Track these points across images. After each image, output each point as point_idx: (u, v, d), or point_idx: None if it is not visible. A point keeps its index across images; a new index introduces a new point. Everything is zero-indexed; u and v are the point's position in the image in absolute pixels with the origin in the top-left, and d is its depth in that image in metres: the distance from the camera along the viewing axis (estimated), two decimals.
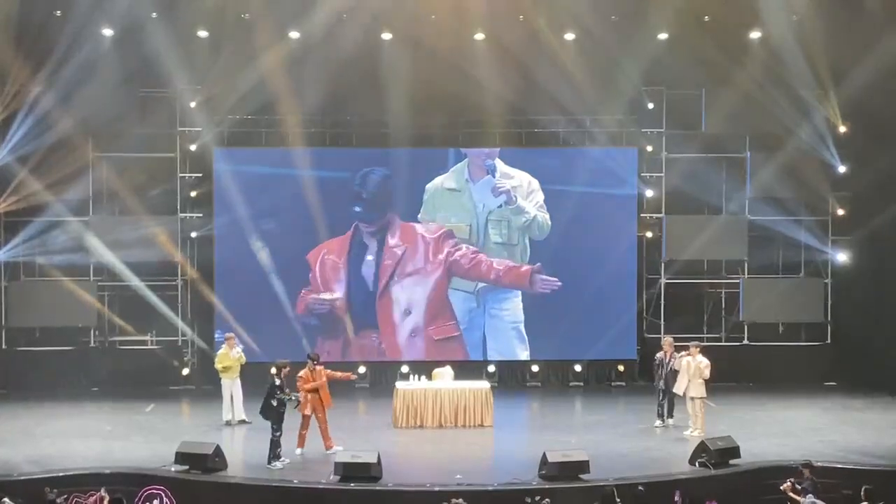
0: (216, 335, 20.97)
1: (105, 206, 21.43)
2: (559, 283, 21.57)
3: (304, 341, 21.22)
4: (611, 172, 21.68)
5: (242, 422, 18.00)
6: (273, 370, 15.99)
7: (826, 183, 21.66)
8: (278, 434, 15.18)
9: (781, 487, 13.34)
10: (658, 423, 17.74)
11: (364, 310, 21.63)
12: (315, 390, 15.87)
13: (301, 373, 15.90)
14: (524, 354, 21.80)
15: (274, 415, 15.25)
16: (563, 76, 20.33)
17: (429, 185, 21.57)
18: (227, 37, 20.04)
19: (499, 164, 21.61)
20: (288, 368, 15.71)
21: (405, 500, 13.84)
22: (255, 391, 18.33)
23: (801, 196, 21.80)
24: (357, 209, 21.46)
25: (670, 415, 17.74)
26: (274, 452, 15.10)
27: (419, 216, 21.56)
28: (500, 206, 21.62)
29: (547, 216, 21.57)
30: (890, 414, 18.71)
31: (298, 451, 15.77)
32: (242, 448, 16.78)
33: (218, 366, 18.28)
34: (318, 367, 16.03)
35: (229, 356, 18.23)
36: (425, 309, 21.57)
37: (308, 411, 15.83)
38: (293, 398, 15.53)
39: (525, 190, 21.61)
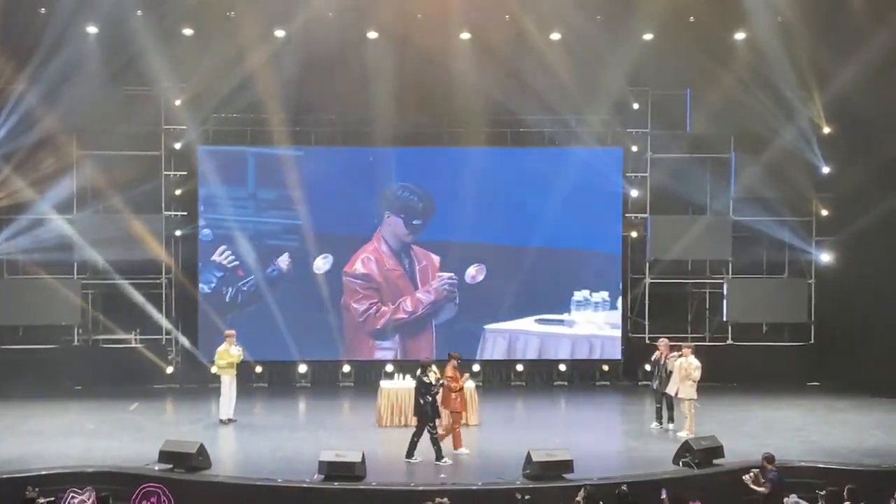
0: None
1: (89, 204, 21.31)
2: (452, 275, 21.63)
3: (290, 341, 21.26)
4: (596, 172, 21.69)
5: (230, 420, 17.94)
6: (421, 368, 15.64)
7: (810, 184, 21.75)
8: (435, 432, 15.25)
9: (744, 478, 13.46)
10: (654, 424, 17.61)
11: None
12: (461, 388, 15.93)
13: (449, 372, 15.83)
14: None
15: (430, 413, 15.27)
16: (548, 76, 20.37)
17: None
18: (212, 35, 19.97)
19: None
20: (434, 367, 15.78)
21: (389, 500, 13.82)
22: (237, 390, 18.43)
23: (786, 197, 21.85)
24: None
25: (671, 419, 17.47)
26: (439, 448, 15.15)
27: None
28: None
29: None
30: (873, 414, 18.79)
31: (465, 450, 15.78)
32: (228, 447, 16.73)
33: (220, 362, 18.15)
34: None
35: (230, 353, 18.15)
36: None
37: (460, 408, 15.89)
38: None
39: None
